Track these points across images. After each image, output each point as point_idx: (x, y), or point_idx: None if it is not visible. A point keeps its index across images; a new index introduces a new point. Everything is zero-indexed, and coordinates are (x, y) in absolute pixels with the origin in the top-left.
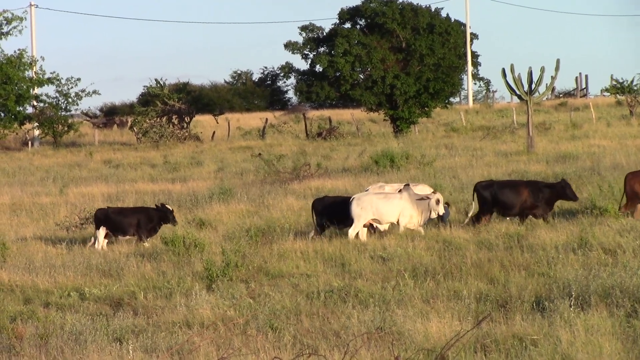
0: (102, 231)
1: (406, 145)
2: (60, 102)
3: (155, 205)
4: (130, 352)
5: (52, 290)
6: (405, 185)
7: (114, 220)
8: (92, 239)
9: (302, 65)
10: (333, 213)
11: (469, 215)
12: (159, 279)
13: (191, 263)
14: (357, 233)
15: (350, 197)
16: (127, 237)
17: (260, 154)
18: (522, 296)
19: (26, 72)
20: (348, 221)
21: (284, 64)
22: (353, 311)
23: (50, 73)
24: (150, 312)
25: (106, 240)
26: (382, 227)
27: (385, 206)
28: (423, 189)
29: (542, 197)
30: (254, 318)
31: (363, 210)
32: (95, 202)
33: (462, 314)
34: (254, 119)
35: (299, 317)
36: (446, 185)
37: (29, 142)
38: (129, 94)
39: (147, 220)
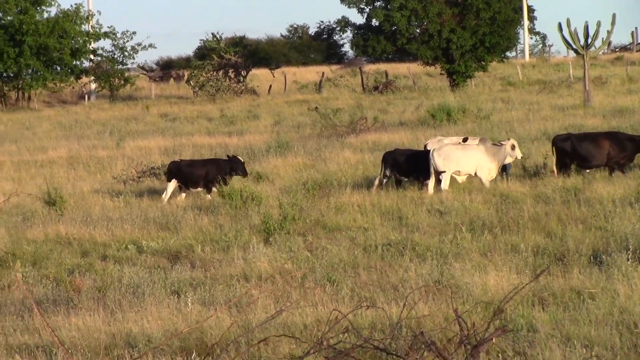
0: (172, 184)
1: (463, 99)
2: (116, 56)
3: (227, 156)
4: (189, 304)
5: (109, 243)
6: (480, 139)
7: (185, 173)
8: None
9: (358, 19)
10: (403, 165)
11: (553, 168)
12: (216, 232)
13: (248, 216)
14: (431, 186)
15: (424, 150)
16: (199, 189)
17: (317, 107)
18: (580, 250)
19: (82, 26)
20: (417, 174)
21: (340, 18)
22: (410, 264)
23: (108, 27)
24: (208, 265)
25: (183, 195)
26: (460, 179)
27: (465, 157)
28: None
29: (622, 148)
30: (311, 271)
31: (446, 161)
32: (152, 155)
33: (520, 268)
34: (310, 73)
35: (356, 270)
36: (503, 139)
37: (86, 96)
38: (186, 48)
39: (218, 171)
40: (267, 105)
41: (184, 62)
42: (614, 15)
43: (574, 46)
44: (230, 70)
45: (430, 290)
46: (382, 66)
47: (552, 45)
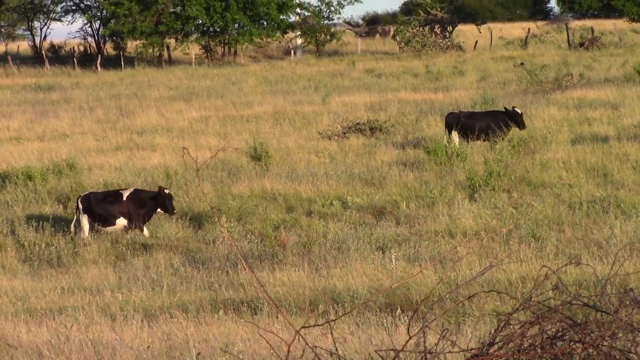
0: (454, 135)
1: None
2: (322, 11)
3: (504, 108)
4: (394, 260)
5: (314, 198)
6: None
7: (465, 125)
8: (448, 143)
9: None
10: None
11: None
12: (421, 188)
13: (453, 172)
14: None
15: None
16: (478, 141)
17: (522, 63)
18: None
19: None
20: None
21: None
22: (615, 222)
23: None
24: (413, 221)
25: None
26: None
27: None
28: None
29: None
30: (516, 228)
31: None
32: (358, 111)
33: None
34: (516, 29)
35: (561, 227)
36: None
37: (292, 51)
38: (392, 3)
39: (499, 123)
40: (473, 61)
41: (390, 18)
42: None
43: None
44: (436, 26)
45: (635, 248)
46: (588, 22)
47: None
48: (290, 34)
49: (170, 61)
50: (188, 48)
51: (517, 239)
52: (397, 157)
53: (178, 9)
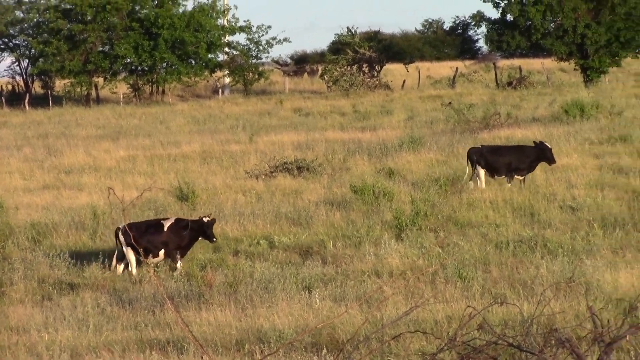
0: (480, 171)
1: (596, 94)
2: (251, 50)
3: (534, 142)
4: (318, 300)
5: (241, 238)
6: None
7: (488, 160)
8: (470, 179)
9: (493, 14)
10: None
11: None
12: (348, 228)
13: (380, 212)
14: None
15: None
16: (502, 176)
17: (450, 102)
18: None
19: (218, 20)
20: None
21: (475, 12)
22: (542, 261)
23: (244, 21)
24: (339, 260)
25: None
26: None
27: None
28: None
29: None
30: (442, 267)
31: None
32: (285, 150)
33: None
34: (444, 68)
35: (487, 267)
36: (636, 135)
37: (220, 90)
38: (320, 42)
39: (525, 158)
40: (401, 100)
41: (318, 57)
42: None
43: None
44: (364, 65)
45: (561, 288)
46: (516, 61)
47: None
48: (219, 73)
49: (98, 100)
50: (116, 87)
51: (444, 278)
52: (324, 196)
53: (106, 47)
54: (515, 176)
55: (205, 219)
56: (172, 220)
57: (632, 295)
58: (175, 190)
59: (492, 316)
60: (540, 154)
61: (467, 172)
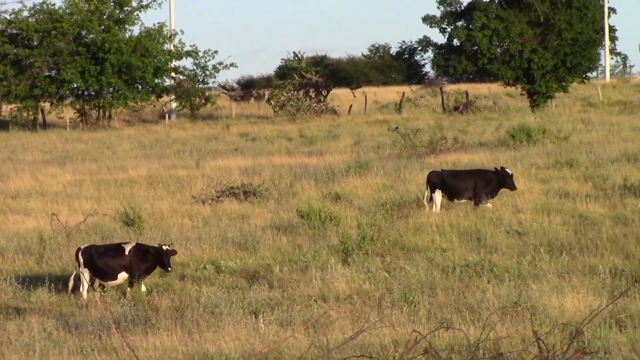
0: (437, 194)
1: (543, 119)
2: (197, 75)
3: (494, 169)
4: (265, 325)
5: (187, 262)
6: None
7: (449, 184)
8: (428, 202)
9: (439, 39)
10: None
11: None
12: (294, 252)
13: (327, 236)
14: None
15: None
16: (463, 200)
17: (397, 127)
18: None
19: (165, 45)
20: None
21: (422, 37)
22: (488, 286)
23: (190, 46)
24: (286, 285)
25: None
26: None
27: None
28: None
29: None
30: (389, 292)
31: None
32: (232, 175)
33: (598, 289)
34: (390, 93)
35: (434, 291)
36: (582, 160)
37: (166, 115)
38: (267, 67)
39: (485, 183)
40: (347, 125)
41: (265, 81)
42: None
43: None
44: (311, 90)
45: (507, 312)
46: (463, 86)
47: (633, 66)
48: (165, 98)
49: (45, 125)
50: (62, 112)
51: (390, 303)
52: (271, 221)
53: (53, 72)
54: (474, 201)
55: (164, 247)
56: (132, 244)
57: (578, 319)
58: (121, 215)
59: (438, 341)
60: (502, 179)
61: (425, 195)
